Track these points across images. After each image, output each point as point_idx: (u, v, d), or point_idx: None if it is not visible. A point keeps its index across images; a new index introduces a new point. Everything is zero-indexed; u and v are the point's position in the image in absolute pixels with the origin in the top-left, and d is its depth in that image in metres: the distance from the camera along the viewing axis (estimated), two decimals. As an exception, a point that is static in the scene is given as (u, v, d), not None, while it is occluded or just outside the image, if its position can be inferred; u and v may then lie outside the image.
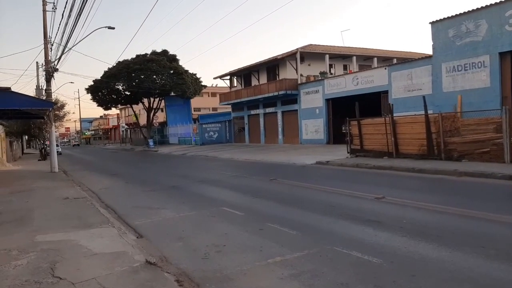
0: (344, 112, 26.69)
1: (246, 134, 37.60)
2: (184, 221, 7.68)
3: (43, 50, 19.41)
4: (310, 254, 5.16)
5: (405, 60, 20.91)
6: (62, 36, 18.64)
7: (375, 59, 33.03)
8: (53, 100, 28.87)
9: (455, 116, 13.82)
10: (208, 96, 66.44)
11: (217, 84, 65.67)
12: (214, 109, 62.95)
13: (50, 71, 19.23)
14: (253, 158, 20.94)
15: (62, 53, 18.65)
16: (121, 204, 10.09)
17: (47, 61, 19.28)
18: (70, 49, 20.07)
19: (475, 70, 18.05)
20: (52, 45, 19.47)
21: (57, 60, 19.36)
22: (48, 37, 19.30)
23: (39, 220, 8.14)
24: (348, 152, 16.63)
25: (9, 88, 12.43)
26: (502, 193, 8.77)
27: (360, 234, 5.87)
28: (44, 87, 19.92)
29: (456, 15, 18.36)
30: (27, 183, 14.87)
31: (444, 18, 18.86)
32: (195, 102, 55.25)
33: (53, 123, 18.35)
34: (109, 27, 21.07)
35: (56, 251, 5.59)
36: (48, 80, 19.40)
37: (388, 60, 32.86)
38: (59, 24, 16.54)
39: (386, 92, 22.25)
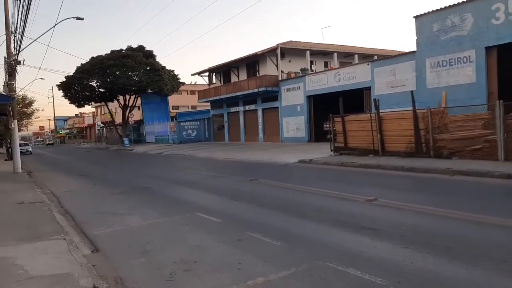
0: (326, 109, 25.97)
1: (225, 132, 36.56)
2: (151, 230, 6.65)
3: (5, 42, 17.87)
4: (298, 272, 4.25)
5: (388, 56, 20.36)
6: (24, 26, 17.14)
7: (356, 56, 32.60)
8: (20, 96, 27.18)
9: (444, 112, 13.22)
10: (187, 93, 65.06)
11: (196, 82, 64.18)
12: (193, 107, 61.58)
13: (12, 64, 17.72)
14: (232, 157, 19.97)
15: (20, 44, 17.19)
16: (83, 210, 8.96)
17: (9, 53, 17.73)
18: (35, 40, 18.67)
19: (460, 66, 17.59)
20: (15, 36, 17.95)
21: (17, 53, 17.84)
22: (10, 27, 17.77)
23: (-20, 230, 6.96)
24: (331, 150, 15.88)
25: (-42, 80, 11.06)
26: (504, 193, 8.10)
27: (356, 245, 5.00)
28: (7, 82, 18.33)
29: (441, 8, 17.86)
30: (-18, 186, 13.46)
31: (429, 12, 18.34)
32: (174, 99, 53.76)
33: (14, 119, 16.85)
34: (78, 18, 19.69)
35: (-17, 274, 4.50)
36: (11, 74, 17.87)
37: (369, 57, 32.38)
38: (22, 13, 15.28)
39: (369, 88, 21.65)
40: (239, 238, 5.78)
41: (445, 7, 17.61)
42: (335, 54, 31.06)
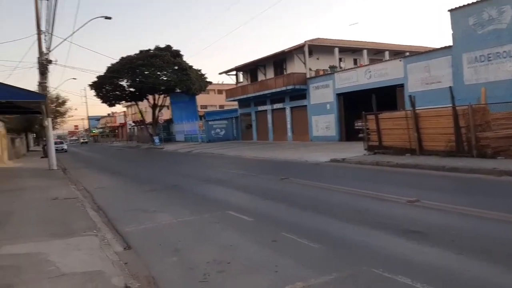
0: (357, 107, 25.36)
1: (253, 131, 36.36)
2: (182, 228, 6.51)
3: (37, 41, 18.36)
4: (341, 278, 3.95)
5: (421, 52, 19.54)
6: (53, 25, 17.50)
7: (387, 52, 31.64)
8: (53, 96, 27.99)
9: (485, 109, 12.47)
10: (215, 93, 65.30)
11: (223, 81, 64.39)
12: (221, 106, 61.74)
13: (44, 63, 18.17)
14: (261, 156, 19.74)
15: (50, 44, 17.57)
16: (115, 206, 8.96)
17: (40, 52, 18.20)
18: (65, 39, 19.09)
19: (499, 61, 16.65)
20: (45, 35, 18.41)
21: (48, 52, 18.25)
22: (41, 27, 18.24)
23: (15, 225, 7.03)
24: (365, 149, 15.34)
25: (-4, 79, 11.34)
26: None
27: (402, 250, 4.64)
28: (39, 81, 18.82)
29: (477, 1, 16.94)
30: (20, 182, 13.84)
31: (464, 5, 17.44)
32: (202, 99, 54.13)
33: (48, 117, 17.27)
34: (106, 17, 20.01)
35: (16, 269, 4.45)
36: (43, 72, 18.34)
37: (400, 54, 31.34)
38: (51, 13, 15.64)
39: (401, 85, 20.87)
40: (273, 238, 5.53)
41: (481, 0, 16.70)
42: (365, 51, 30.24)
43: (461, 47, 17.64)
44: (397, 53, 31.54)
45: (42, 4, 17.56)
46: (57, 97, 30.65)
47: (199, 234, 6.05)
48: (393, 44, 33.21)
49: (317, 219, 6.57)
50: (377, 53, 31.75)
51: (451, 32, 18.01)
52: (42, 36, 17.62)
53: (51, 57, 18.03)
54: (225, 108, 54.18)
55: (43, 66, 17.75)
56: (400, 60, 20.80)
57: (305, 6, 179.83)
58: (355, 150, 17.23)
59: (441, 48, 18.73)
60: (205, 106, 60.17)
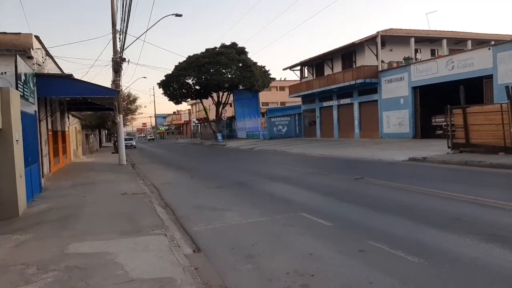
0: (435, 101, 23.32)
1: (317, 128, 35.23)
2: (254, 230, 5.91)
3: (112, 40, 18.98)
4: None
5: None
6: (127, 24, 17.92)
7: (469, 42, 28.79)
8: (125, 94, 29.19)
9: None
10: (276, 90, 64.69)
11: (285, 78, 63.53)
12: (282, 103, 61.06)
13: (118, 61, 18.74)
14: (328, 153, 18.75)
15: (124, 42, 18.01)
16: (182, 203, 8.66)
17: (115, 51, 18.81)
18: (138, 38, 19.48)
19: None
20: (120, 34, 18.96)
21: (122, 50, 18.78)
22: (116, 26, 18.81)
23: (85, 220, 6.91)
24: (448, 147, 13.76)
25: (71, 75, 11.71)
26: None
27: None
28: (113, 79, 19.49)
29: None
30: (92, 176, 14.26)
31: None
32: (263, 96, 53.84)
33: (120, 113, 17.77)
34: (177, 15, 20.18)
35: (83, 271, 4.11)
36: (116, 70, 18.94)
37: (484, 43, 28.36)
38: (127, 12, 16.12)
39: (490, 76, 18.64)
40: (360, 248, 4.73)
41: None
42: (444, 41, 27.71)
43: None
44: (481, 42, 28.59)
45: (118, 3, 18.09)
46: (128, 95, 31.94)
47: (274, 239, 5.41)
48: (476, 33, 30.15)
49: (408, 226, 5.62)
50: (458, 42, 29.04)
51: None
52: (117, 35, 18.13)
53: (125, 55, 18.52)
54: (287, 105, 53.44)
55: (117, 64, 18.29)
56: (489, 49, 18.58)
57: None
58: (435, 148, 15.67)
59: (540, 33, 16.34)
60: (266, 103, 59.86)
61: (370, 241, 4.95)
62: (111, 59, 18.62)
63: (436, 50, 29.38)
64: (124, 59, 18.51)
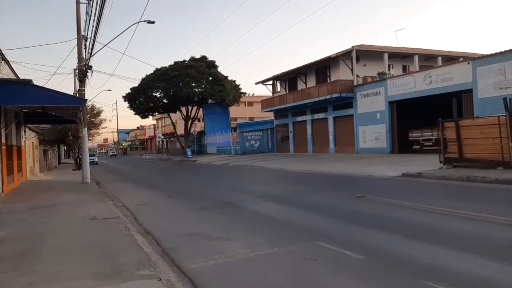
0: (412, 116, 23.20)
1: (290, 143, 34.52)
2: (269, 267, 4.72)
3: (76, 47, 17.36)
4: None
5: (495, 53, 17.26)
6: (96, 31, 16.42)
7: (439, 58, 29.27)
8: (89, 106, 27.22)
9: None
10: (245, 105, 64.02)
11: (254, 93, 63.07)
12: (251, 118, 60.44)
13: (83, 69, 17.11)
14: (310, 169, 17.84)
15: (92, 49, 16.47)
16: (165, 230, 7.31)
17: (80, 58, 17.17)
18: (105, 45, 17.98)
19: None
20: (86, 41, 17.37)
21: (88, 58, 17.21)
22: (81, 31, 17.24)
23: (48, 257, 5.44)
24: (440, 162, 13.19)
25: (30, 81, 10.11)
26: None
27: None
28: (78, 88, 17.79)
29: None
30: (52, 196, 12.49)
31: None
32: (231, 111, 52.86)
33: (85, 126, 16.07)
34: (149, 21, 18.86)
35: None
36: (81, 79, 17.29)
37: (453, 59, 28.96)
38: (92, 18, 14.78)
39: (469, 91, 18.59)
40: (419, 292, 3.67)
41: None
42: (416, 57, 28.01)
43: (546, 45, 15.32)
44: (450, 58, 29.18)
45: (83, 8, 16.57)
46: (92, 108, 29.87)
47: (301, 280, 4.24)
48: (444, 50, 30.78)
49: (460, 258, 4.63)
50: (428, 59, 29.45)
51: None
52: (82, 42, 16.55)
53: (92, 63, 16.93)
54: (255, 120, 52.69)
55: (82, 72, 16.65)
56: (469, 63, 18.56)
57: (342, 15, 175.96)
58: (423, 163, 15.11)
59: (521, 47, 16.45)
60: (234, 119, 58.90)
61: (428, 281, 3.91)
62: (75, 67, 16.96)
63: (407, 66, 29.65)
64: (91, 67, 16.91)
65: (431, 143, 22.05)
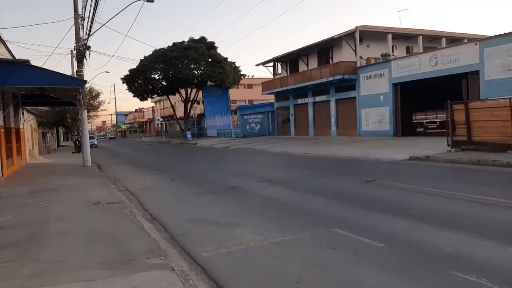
0: (416, 98, 22.86)
1: (291, 125, 34.21)
2: (284, 256, 4.51)
3: (74, 27, 16.83)
4: None
5: (503, 34, 16.81)
6: (94, 10, 15.88)
7: (443, 39, 28.71)
8: (87, 88, 26.75)
9: None
10: (244, 87, 63.28)
11: (253, 76, 62.27)
12: (250, 101, 59.81)
13: (81, 50, 16.62)
14: (314, 152, 17.61)
15: (90, 29, 15.95)
16: (173, 215, 7.09)
17: (77, 38, 16.65)
18: (103, 25, 17.45)
19: None
20: (83, 20, 16.83)
21: (87, 38, 16.69)
22: (79, 11, 16.69)
23: (52, 244, 5.22)
24: (448, 145, 12.94)
25: (28, 61, 9.72)
26: None
27: None
28: (76, 70, 17.35)
29: None
30: (53, 180, 12.26)
31: None
32: (231, 93, 52.29)
33: (85, 108, 15.71)
34: (148, 0, 18.26)
35: None
36: (80, 60, 16.81)
37: (458, 40, 28.42)
38: None
39: (476, 72, 18.22)
40: (453, 284, 3.47)
41: None
42: (420, 38, 27.44)
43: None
44: (454, 40, 28.62)
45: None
46: (91, 90, 29.37)
47: (321, 271, 4.03)
48: (448, 31, 30.17)
49: (479, 244, 4.42)
50: (432, 40, 28.88)
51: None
52: (80, 21, 16.02)
53: (90, 43, 16.43)
54: (255, 103, 52.17)
55: (80, 53, 16.18)
56: (476, 44, 18.14)
57: None
58: (429, 146, 14.90)
59: (530, 28, 15.98)
60: (234, 101, 58.37)
61: (457, 272, 3.70)
62: (73, 47, 16.48)
63: (411, 47, 29.10)
64: (89, 47, 16.43)
65: (435, 126, 21.82)
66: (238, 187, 9.62)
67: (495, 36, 17.33)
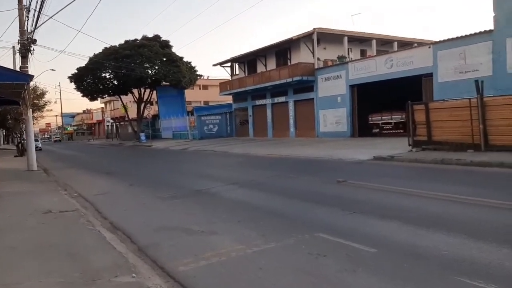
0: (372, 100, 23.41)
1: (250, 127, 33.92)
2: (274, 268, 4.09)
3: (17, 18, 15.39)
4: None
5: (456, 37, 17.59)
6: (42, 1, 14.59)
7: (395, 43, 29.85)
8: (31, 86, 24.75)
9: None
10: (200, 88, 62.23)
11: (208, 77, 61.43)
12: (206, 102, 58.95)
13: (26, 44, 15.21)
14: (276, 153, 17.39)
15: (37, 23, 14.66)
16: (136, 223, 6.43)
17: (22, 31, 15.22)
18: (51, 17, 16.19)
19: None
20: (28, 11, 15.43)
21: (32, 31, 15.35)
22: (23, 1, 15.29)
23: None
24: (409, 145, 13.17)
25: (-37, 52, 8.53)
26: None
27: None
28: (20, 65, 15.86)
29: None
30: (-6, 187, 10.97)
31: (510, -16, 15.60)
32: (186, 94, 51.10)
33: (29, 108, 14.36)
34: (100, -7, 17.15)
35: None
36: (24, 55, 15.37)
37: (408, 45, 29.57)
38: None
39: (430, 75, 18.92)
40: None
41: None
42: (374, 41, 28.33)
43: (505, 30, 15.78)
44: (404, 44, 29.76)
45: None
46: (35, 89, 27.24)
47: (318, 282, 3.65)
48: (399, 36, 31.36)
49: (473, 246, 4.27)
50: (384, 44, 29.88)
51: (492, 14, 16.14)
52: (24, 12, 14.64)
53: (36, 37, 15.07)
54: (211, 104, 51.37)
55: (25, 47, 14.78)
56: (429, 47, 18.83)
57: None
58: (389, 146, 15.17)
59: (480, 33, 16.82)
60: (189, 102, 57.17)
61: (461, 277, 3.48)
62: (17, 41, 15.05)
63: (365, 50, 29.91)
64: (35, 40, 15.06)
65: (391, 127, 22.48)
66: (204, 191, 9.07)
67: (448, 40, 18.07)
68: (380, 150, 13.81)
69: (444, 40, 18.23)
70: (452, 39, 17.81)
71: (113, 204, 8.30)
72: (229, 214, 6.64)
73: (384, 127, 22.66)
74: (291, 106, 28.70)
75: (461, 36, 17.48)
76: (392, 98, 23.01)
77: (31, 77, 10.42)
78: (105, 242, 5.25)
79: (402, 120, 21.67)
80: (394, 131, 21.99)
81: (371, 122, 23.16)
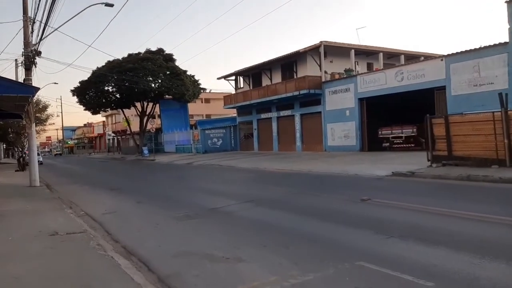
0: (381, 113, 22.98)
1: (255, 140, 33.43)
2: (321, 305, 3.53)
3: (22, 30, 15.06)
4: None
5: (469, 50, 17.24)
6: (48, 14, 14.28)
7: (402, 56, 29.60)
8: (34, 100, 24.35)
9: None
10: (202, 102, 61.96)
11: (211, 90, 61.19)
12: (208, 116, 58.57)
13: (30, 56, 14.83)
14: (287, 168, 16.85)
15: (42, 34, 14.32)
16: (152, 247, 5.88)
17: (26, 43, 14.87)
18: (56, 29, 15.88)
19: None
20: (34, 23, 15.12)
21: (37, 43, 15.01)
22: (28, 13, 14.98)
23: (2, 301, 3.88)
24: (428, 160, 12.65)
25: (-33, 63, 8.15)
26: None
27: None
28: (24, 78, 15.48)
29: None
30: (-5, 204, 10.42)
31: (526, -5, 15.30)
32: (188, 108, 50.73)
33: (33, 121, 13.90)
34: (107, 4, 16.86)
35: None
36: (28, 67, 14.98)
37: (415, 58, 29.35)
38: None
39: (442, 88, 18.51)
40: None
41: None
42: (381, 55, 28.05)
43: (521, 42, 15.41)
44: (411, 57, 29.54)
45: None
46: (37, 102, 26.87)
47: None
48: (406, 50, 31.13)
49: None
50: (391, 57, 29.62)
51: (507, 26, 15.80)
52: (29, 24, 14.31)
53: (41, 49, 14.72)
54: (213, 117, 50.96)
55: (29, 59, 14.40)
56: (442, 60, 18.46)
57: (303, 13, 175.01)
58: (404, 161, 14.63)
59: (495, 45, 16.46)
60: (191, 116, 56.86)
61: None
62: (21, 54, 14.68)
63: (372, 64, 29.63)
64: (40, 52, 14.69)
65: (401, 141, 21.96)
66: (219, 209, 8.53)
67: (461, 52, 17.71)
68: (396, 165, 13.28)
69: (457, 53, 17.86)
70: (466, 51, 17.45)
71: (123, 225, 7.76)
72: (252, 237, 6.10)
73: (395, 141, 22.15)
74: (297, 119, 28.26)
75: (475, 49, 17.12)
76: (402, 112, 22.62)
77: (36, 89, 9.96)
78: (121, 271, 4.71)
79: (413, 134, 21.21)
80: (405, 145, 21.48)
81: (380, 136, 22.65)
